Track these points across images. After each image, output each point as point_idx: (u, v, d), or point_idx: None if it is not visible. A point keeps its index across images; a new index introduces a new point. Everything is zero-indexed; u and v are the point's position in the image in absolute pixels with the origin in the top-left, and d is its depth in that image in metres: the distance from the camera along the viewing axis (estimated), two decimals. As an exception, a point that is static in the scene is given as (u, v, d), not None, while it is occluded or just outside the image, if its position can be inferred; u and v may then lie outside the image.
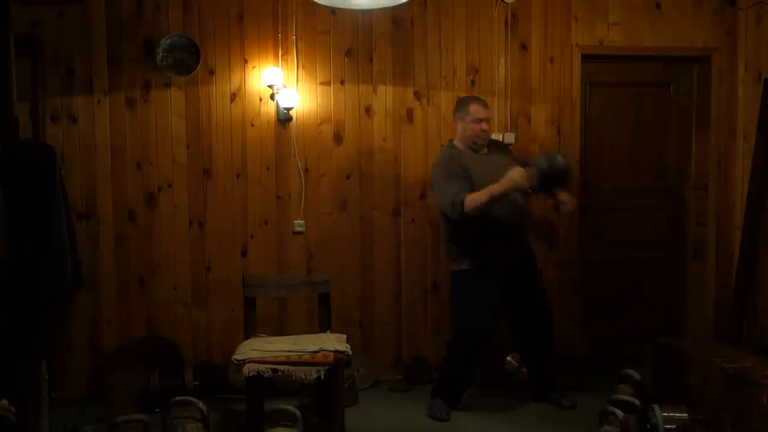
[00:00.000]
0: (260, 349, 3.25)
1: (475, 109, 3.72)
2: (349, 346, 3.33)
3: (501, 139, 4.33)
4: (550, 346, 3.93)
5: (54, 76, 4.00)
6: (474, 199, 3.49)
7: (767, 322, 4.14)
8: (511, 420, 3.73)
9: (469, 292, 3.72)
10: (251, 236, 4.24)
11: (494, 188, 3.46)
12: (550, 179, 3.55)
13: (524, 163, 3.70)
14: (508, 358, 4.24)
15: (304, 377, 3.17)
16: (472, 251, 3.71)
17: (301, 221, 4.26)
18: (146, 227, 4.14)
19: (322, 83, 4.25)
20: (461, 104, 3.81)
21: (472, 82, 4.36)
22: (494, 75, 4.37)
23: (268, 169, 4.23)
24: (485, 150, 3.79)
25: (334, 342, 3.34)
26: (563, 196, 3.88)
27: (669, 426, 3.22)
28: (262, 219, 4.25)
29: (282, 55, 4.18)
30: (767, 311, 4.14)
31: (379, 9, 3.62)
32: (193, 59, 4.07)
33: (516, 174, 3.43)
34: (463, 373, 3.83)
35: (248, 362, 3.16)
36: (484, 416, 3.79)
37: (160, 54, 4.04)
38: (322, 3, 2.97)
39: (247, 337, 3.53)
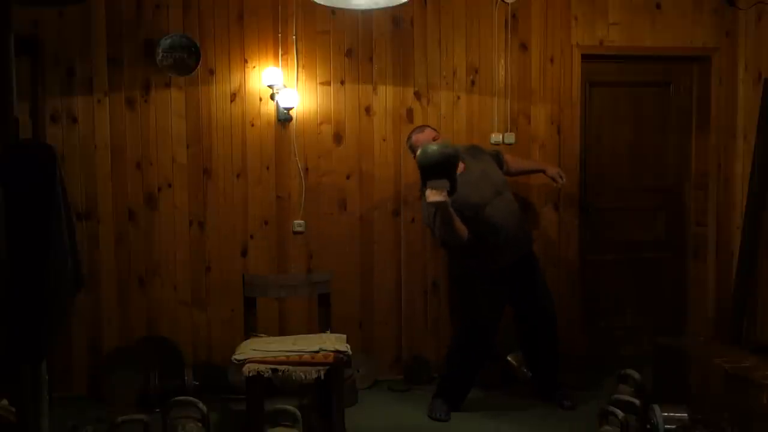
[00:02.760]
0: (260, 349, 3.25)
1: (416, 138, 3.84)
2: (349, 346, 3.33)
3: (501, 140, 4.34)
4: (554, 347, 3.93)
5: (54, 76, 4.00)
6: (437, 225, 3.50)
7: (767, 322, 4.14)
8: (512, 420, 3.73)
9: (473, 289, 3.73)
10: (251, 236, 4.24)
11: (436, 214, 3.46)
12: (433, 169, 3.35)
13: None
14: (509, 358, 4.23)
15: (304, 377, 3.17)
16: (473, 262, 3.71)
17: (301, 221, 4.26)
18: (146, 227, 4.14)
19: (322, 83, 4.25)
20: (408, 140, 3.94)
21: (472, 82, 4.37)
22: (494, 75, 4.37)
23: (268, 169, 4.23)
24: (461, 165, 3.66)
25: (334, 342, 3.33)
26: (551, 171, 3.92)
27: (669, 426, 3.21)
28: (262, 219, 4.25)
29: (282, 55, 4.18)
30: (767, 311, 4.14)
31: (379, 9, 3.61)
32: (193, 59, 4.07)
33: (429, 197, 3.32)
34: (466, 373, 3.83)
35: (248, 362, 3.16)
36: (485, 416, 3.79)
37: (160, 54, 4.04)
38: (322, 3, 2.97)
39: (247, 337, 3.53)
